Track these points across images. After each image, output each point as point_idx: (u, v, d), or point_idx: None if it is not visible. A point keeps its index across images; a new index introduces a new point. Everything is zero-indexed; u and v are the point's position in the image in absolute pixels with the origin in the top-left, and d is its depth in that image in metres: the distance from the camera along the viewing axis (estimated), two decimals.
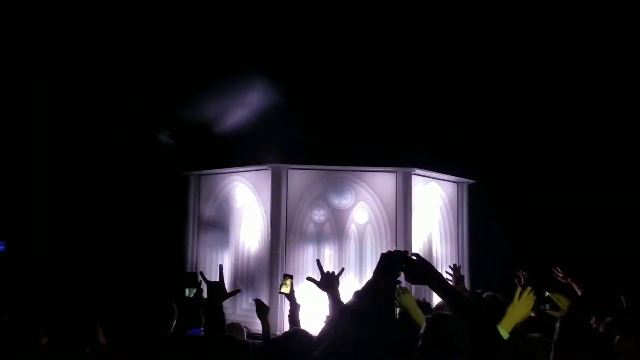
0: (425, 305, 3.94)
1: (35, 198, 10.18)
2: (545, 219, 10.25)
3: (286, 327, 6.36)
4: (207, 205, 9.39)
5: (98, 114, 9.95)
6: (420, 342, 2.53)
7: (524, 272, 4.22)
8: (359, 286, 7.95)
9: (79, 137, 10.09)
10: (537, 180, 10.41)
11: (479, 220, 9.77)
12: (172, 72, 9.23)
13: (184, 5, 9.50)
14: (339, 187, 8.63)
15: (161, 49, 9.40)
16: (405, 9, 9.80)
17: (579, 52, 9.83)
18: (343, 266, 4.28)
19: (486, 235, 9.78)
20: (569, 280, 3.56)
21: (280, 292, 4.85)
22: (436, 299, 8.35)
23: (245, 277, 8.90)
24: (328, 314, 4.36)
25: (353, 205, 8.64)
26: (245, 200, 8.98)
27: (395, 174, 8.62)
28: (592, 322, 3.70)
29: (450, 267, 5.68)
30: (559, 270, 3.65)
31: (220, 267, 3.70)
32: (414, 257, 2.60)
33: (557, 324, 3.01)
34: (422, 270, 2.50)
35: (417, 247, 8.53)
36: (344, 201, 8.63)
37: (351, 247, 8.60)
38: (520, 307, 3.16)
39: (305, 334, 3.88)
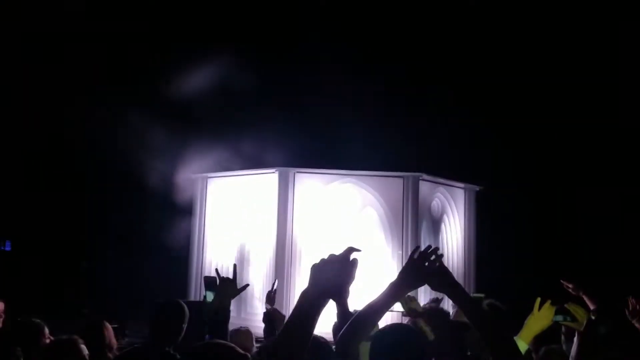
0: (436, 313, 3.88)
1: (42, 198, 10.21)
2: (553, 225, 10.20)
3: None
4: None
5: (104, 116, 9.97)
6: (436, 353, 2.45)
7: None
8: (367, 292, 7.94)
9: (86, 139, 10.11)
10: (545, 186, 10.37)
11: (487, 226, 9.73)
12: (182, 73, 9.23)
13: (187, 9, 9.53)
14: (346, 192, 8.61)
15: (169, 50, 9.42)
16: (417, 16, 9.80)
17: (585, 60, 9.80)
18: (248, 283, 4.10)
19: (493, 241, 9.73)
20: (581, 293, 3.44)
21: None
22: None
23: (253, 279, 8.89)
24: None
25: (361, 209, 8.61)
26: (253, 203, 8.97)
27: (402, 179, 8.59)
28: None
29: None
30: (568, 282, 3.51)
31: (235, 266, 3.69)
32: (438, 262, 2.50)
33: (575, 339, 2.93)
34: (444, 276, 2.43)
35: None
36: (351, 205, 8.60)
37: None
38: (540, 319, 3.09)
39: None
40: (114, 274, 9.83)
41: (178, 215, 9.76)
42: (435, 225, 9.25)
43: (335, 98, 9.51)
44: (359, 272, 2.21)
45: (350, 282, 2.18)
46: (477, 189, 9.65)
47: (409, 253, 2.59)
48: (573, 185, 10.20)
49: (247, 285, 3.67)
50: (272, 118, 9.18)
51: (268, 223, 8.63)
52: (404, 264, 2.52)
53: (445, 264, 2.63)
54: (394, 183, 8.61)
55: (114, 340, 3.83)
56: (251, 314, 8.61)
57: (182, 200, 9.70)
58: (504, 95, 10.17)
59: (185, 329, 3.68)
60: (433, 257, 2.46)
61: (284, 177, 8.44)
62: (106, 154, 10.17)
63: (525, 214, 10.29)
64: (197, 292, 9.15)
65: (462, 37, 9.87)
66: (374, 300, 2.50)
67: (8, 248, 10.47)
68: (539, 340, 3.51)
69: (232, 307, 4.31)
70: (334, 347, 2.83)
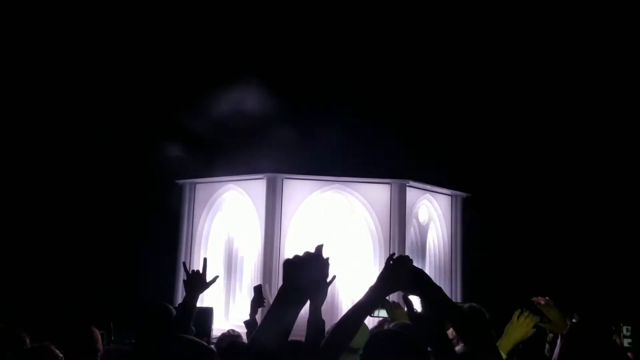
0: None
1: (33, 203, 10.16)
2: (539, 232, 10.30)
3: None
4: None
5: (95, 121, 9.96)
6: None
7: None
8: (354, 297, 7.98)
9: (76, 144, 10.09)
10: (531, 193, 10.47)
11: (473, 233, 9.81)
12: (169, 78, 9.24)
13: (185, 11, 9.53)
14: (333, 198, 8.65)
15: (160, 54, 9.42)
16: (408, 21, 9.87)
17: (574, 64, 9.92)
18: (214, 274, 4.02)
19: (479, 248, 9.81)
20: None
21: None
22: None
23: (240, 284, 8.91)
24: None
25: (347, 216, 8.66)
26: (240, 209, 8.99)
27: (390, 185, 8.66)
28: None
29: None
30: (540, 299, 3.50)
31: (205, 259, 3.67)
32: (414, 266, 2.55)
33: (559, 340, 2.97)
34: (420, 280, 2.48)
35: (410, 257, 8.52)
36: (338, 211, 8.65)
37: (345, 257, 8.61)
38: (520, 327, 3.11)
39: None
40: (100, 278, 9.79)
41: (166, 220, 9.76)
42: (422, 231, 9.33)
43: (323, 104, 9.56)
44: (345, 279, 2.27)
45: (326, 281, 2.22)
46: (464, 195, 9.74)
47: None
48: (560, 191, 10.31)
49: (217, 277, 3.63)
50: (261, 124, 9.21)
51: (256, 229, 8.65)
52: (380, 270, 2.56)
53: (431, 269, 2.69)
54: (381, 189, 8.68)
55: (100, 346, 3.84)
56: (240, 318, 8.62)
57: (170, 206, 9.70)
58: (490, 101, 10.27)
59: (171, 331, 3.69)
60: (404, 265, 2.51)
61: (272, 183, 8.47)
62: (94, 156, 10.15)
63: (512, 220, 10.38)
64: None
65: (447, 41, 9.96)
66: (353, 307, 2.53)
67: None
68: (525, 349, 3.54)
69: (220, 312, 4.33)
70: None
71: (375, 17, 9.78)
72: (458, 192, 9.67)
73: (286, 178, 8.57)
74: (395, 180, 8.66)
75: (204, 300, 8.09)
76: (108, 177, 10.17)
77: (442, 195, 9.58)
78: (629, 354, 3.61)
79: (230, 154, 9.10)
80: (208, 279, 3.56)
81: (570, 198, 10.22)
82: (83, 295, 9.04)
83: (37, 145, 10.05)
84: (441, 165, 9.62)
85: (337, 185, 8.67)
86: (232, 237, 9.12)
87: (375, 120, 9.61)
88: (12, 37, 9.09)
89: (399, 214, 8.51)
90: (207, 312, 7.74)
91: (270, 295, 5.09)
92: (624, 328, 3.65)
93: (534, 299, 3.32)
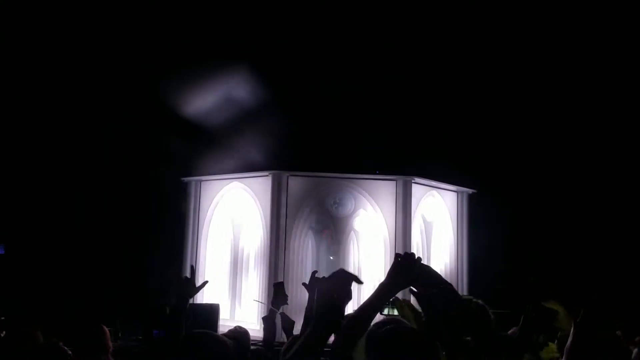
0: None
1: (37, 202, 10.20)
2: (545, 229, 10.26)
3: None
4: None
5: (100, 119, 9.98)
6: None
7: None
8: (357, 293, 7.96)
9: (81, 143, 10.12)
10: (538, 189, 10.43)
11: (479, 229, 9.77)
12: (174, 75, 9.24)
13: (189, 9, 9.53)
14: (339, 195, 8.65)
15: (163, 51, 9.42)
16: (411, 19, 9.84)
17: (580, 62, 9.87)
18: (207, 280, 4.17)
19: (486, 244, 9.78)
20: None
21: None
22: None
23: (246, 281, 8.91)
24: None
25: (353, 213, 8.65)
26: (246, 206, 8.99)
27: (395, 182, 8.64)
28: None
29: None
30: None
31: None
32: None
33: (570, 337, 2.96)
34: (428, 276, 2.49)
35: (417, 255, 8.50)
36: (343, 208, 8.64)
37: (351, 254, 8.61)
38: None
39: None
40: (106, 276, 9.83)
41: (172, 218, 9.78)
42: (428, 228, 9.31)
43: (328, 102, 9.55)
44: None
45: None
46: (470, 192, 9.71)
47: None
48: (564, 188, 10.26)
49: (206, 282, 3.72)
50: (265, 121, 9.21)
51: (261, 226, 8.65)
52: (390, 267, 2.57)
53: (437, 266, 2.71)
54: (387, 186, 8.66)
55: (110, 343, 3.88)
56: (246, 315, 8.63)
57: (176, 204, 9.72)
58: (500, 99, 10.23)
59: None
60: (413, 262, 2.51)
61: (277, 180, 8.47)
62: (101, 156, 10.18)
63: (517, 216, 10.34)
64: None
65: (460, 38, 9.92)
66: (362, 305, 2.54)
67: (2, 252, 10.44)
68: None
69: (226, 309, 4.34)
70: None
71: (381, 14, 9.76)
72: (464, 189, 9.63)
73: (291, 175, 8.56)
74: (400, 176, 8.64)
75: (210, 297, 8.11)
76: (114, 177, 10.20)
77: (447, 191, 9.55)
78: None
79: (235, 152, 9.11)
80: (197, 283, 3.66)
81: (577, 193, 10.17)
82: (89, 293, 9.07)
83: (47, 147, 10.10)
84: (447, 161, 9.59)
85: (342, 181, 8.66)
86: (238, 234, 9.13)
87: (381, 116, 9.59)
88: (12, 37, 9.11)
89: (404, 211, 8.49)
90: (214, 309, 7.76)
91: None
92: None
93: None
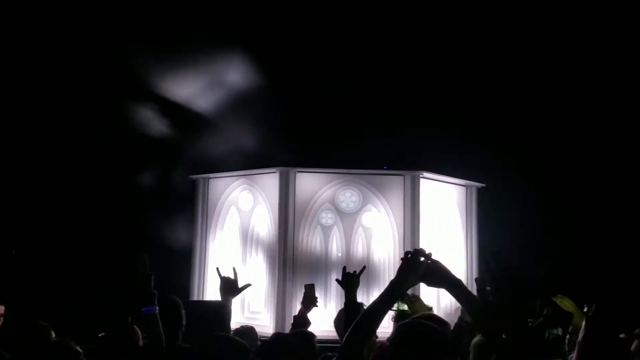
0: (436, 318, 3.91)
1: (43, 201, 10.23)
2: (555, 224, 10.20)
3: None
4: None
5: (105, 117, 9.99)
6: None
7: None
8: (366, 290, 7.93)
9: (85, 139, 10.13)
10: (548, 184, 10.36)
11: (488, 225, 9.71)
12: (180, 73, 9.24)
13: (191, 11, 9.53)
14: (346, 191, 8.62)
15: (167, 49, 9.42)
16: (415, 13, 9.79)
17: (587, 55, 9.78)
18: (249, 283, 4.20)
19: (495, 240, 9.72)
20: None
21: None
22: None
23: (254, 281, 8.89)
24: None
25: (361, 209, 8.62)
26: (253, 204, 8.98)
27: (403, 177, 8.60)
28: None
29: None
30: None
31: (234, 269, 3.83)
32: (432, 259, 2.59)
33: (583, 323, 2.97)
34: (439, 271, 2.51)
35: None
36: (351, 205, 8.61)
37: (359, 250, 8.58)
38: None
39: (312, 336, 3.93)
40: (115, 275, 9.84)
41: (180, 216, 9.79)
42: (436, 223, 9.25)
43: (335, 97, 9.52)
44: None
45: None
46: (479, 186, 9.64)
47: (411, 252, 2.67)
48: (576, 184, 10.19)
49: (249, 284, 3.76)
50: (272, 117, 9.19)
51: (269, 224, 8.63)
52: (400, 264, 2.60)
53: (447, 263, 2.69)
54: (395, 181, 8.61)
55: (141, 342, 3.95)
56: (254, 313, 8.63)
57: (184, 201, 9.72)
58: (508, 91, 10.16)
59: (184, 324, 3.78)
60: (422, 258, 2.55)
61: (284, 177, 8.44)
62: (105, 154, 10.19)
63: (528, 211, 10.28)
64: (199, 291, 9.18)
65: (461, 36, 9.87)
66: (373, 302, 2.57)
67: (13, 251, 10.49)
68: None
69: (234, 306, 4.33)
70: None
71: (395, 15, 9.71)
72: (473, 183, 9.56)
73: (298, 171, 8.53)
74: (408, 171, 8.59)
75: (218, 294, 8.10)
76: (119, 175, 10.21)
77: (456, 186, 9.49)
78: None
79: (242, 149, 9.10)
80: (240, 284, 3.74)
81: (586, 188, 10.10)
82: (99, 292, 9.09)
83: (56, 145, 10.12)
84: (455, 156, 9.54)
85: (349, 177, 8.62)
86: (246, 231, 9.12)
87: (388, 111, 9.56)
88: (12, 37, 9.12)
89: (413, 206, 8.45)
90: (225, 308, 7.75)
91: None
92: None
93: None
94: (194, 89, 9.36)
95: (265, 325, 8.31)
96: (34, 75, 9.59)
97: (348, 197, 8.61)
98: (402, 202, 8.53)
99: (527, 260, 9.76)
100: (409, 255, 2.55)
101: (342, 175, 8.64)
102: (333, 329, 5.41)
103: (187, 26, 9.39)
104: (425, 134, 9.85)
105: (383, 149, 9.52)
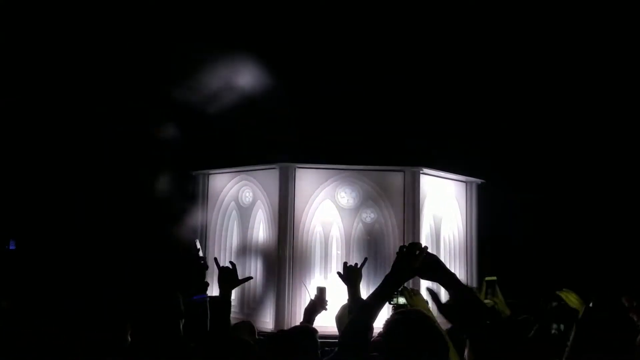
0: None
1: (45, 197, 10.24)
2: (555, 219, 10.20)
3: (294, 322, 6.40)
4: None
5: (106, 112, 9.98)
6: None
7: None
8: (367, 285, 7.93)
9: (87, 135, 10.14)
10: (548, 180, 10.36)
11: (488, 220, 9.72)
12: (181, 68, 9.23)
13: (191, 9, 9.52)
14: (346, 186, 8.62)
15: (169, 45, 9.41)
16: (414, 9, 9.77)
17: (587, 51, 9.77)
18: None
19: (495, 235, 9.73)
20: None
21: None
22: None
23: (254, 276, 8.90)
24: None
25: (360, 205, 8.62)
26: (253, 200, 8.98)
27: (403, 172, 8.60)
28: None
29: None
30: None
31: (231, 262, 3.83)
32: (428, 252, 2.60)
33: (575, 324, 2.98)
34: (434, 265, 2.52)
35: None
36: (351, 200, 8.62)
37: (359, 246, 8.59)
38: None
39: (314, 331, 3.93)
40: (115, 272, 9.85)
41: (181, 211, 9.79)
42: (436, 218, 9.26)
43: (336, 93, 9.51)
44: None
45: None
46: (479, 182, 9.64)
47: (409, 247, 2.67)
48: (577, 180, 10.20)
49: (250, 277, 3.78)
50: (271, 113, 9.19)
51: (269, 219, 8.64)
52: (395, 258, 2.61)
53: (447, 258, 2.71)
54: (394, 177, 8.61)
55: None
56: (252, 309, 8.64)
57: (184, 197, 9.73)
58: (508, 87, 10.16)
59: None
60: (418, 252, 2.56)
61: (284, 173, 8.44)
62: (107, 150, 10.20)
63: (528, 207, 10.29)
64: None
65: (464, 33, 9.86)
66: (371, 295, 2.58)
67: (12, 247, 10.50)
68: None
69: (233, 302, 4.34)
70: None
71: (393, 13, 9.69)
72: (473, 179, 9.57)
73: (298, 167, 8.53)
74: (408, 167, 8.59)
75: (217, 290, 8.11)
76: (120, 172, 10.21)
77: (456, 182, 9.49)
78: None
79: (242, 145, 9.10)
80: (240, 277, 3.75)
81: (587, 182, 10.10)
82: (100, 290, 9.10)
83: (58, 142, 10.12)
84: (455, 151, 9.53)
85: (349, 173, 8.62)
86: (246, 227, 9.12)
87: (388, 107, 9.55)
88: (12, 37, 9.11)
89: (413, 202, 8.45)
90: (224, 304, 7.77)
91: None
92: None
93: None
94: (194, 85, 9.36)
95: (265, 320, 8.33)
96: (34, 75, 9.59)
97: (348, 193, 8.61)
98: (402, 197, 8.53)
99: (527, 256, 9.80)
100: (404, 249, 2.56)
101: (342, 170, 8.63)
102: (334, 323, 5.42)
103: (188, 22, 9.39)
104: (425, 130, 9.85)
105: (383, 144, 9.51)
